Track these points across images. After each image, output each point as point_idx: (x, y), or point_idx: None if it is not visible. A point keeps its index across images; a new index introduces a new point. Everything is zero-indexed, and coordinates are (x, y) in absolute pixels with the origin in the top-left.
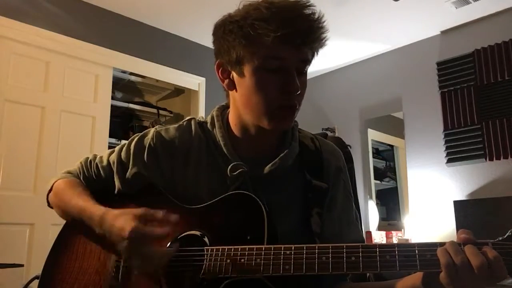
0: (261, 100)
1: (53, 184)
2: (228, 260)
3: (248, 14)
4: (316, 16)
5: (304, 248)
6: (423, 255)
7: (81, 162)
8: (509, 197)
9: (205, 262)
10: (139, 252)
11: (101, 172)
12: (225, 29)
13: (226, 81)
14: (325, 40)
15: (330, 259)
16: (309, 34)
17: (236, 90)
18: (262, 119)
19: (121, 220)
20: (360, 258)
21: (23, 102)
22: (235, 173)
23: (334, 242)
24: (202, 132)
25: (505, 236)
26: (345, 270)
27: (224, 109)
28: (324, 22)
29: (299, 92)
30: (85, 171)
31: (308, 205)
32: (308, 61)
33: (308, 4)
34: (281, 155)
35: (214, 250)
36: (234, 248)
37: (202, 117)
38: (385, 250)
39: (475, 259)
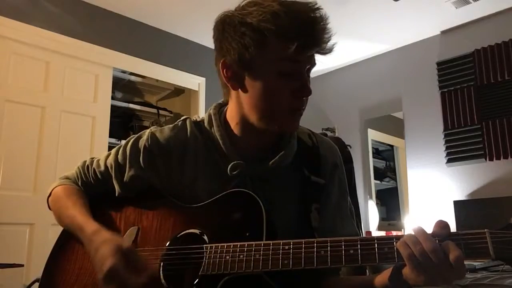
0: (271, 105)
1: (53, 189)
2: (228, 257)
3: (263, 18)
4: (325, 19)
5: (303, 242)
6: None
7: (78, 167)
8: (509, 197)
9: (204, 259)
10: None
11: (99, 176)
12: (235, 29)
13: (232, 80)
14: (333, 44)
15: (329, 252)
16: (324, 40)
17: (243, 90)
18: (271, 123)
19: (106, 250)
20: (359, 251)
21: (23, 102)
22: (235, 172)
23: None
24: (199, 131)
25: (503, 226)
26: (344, 263)
27: (220, 107)
28: (329, 23)
29: (310, 95)
30: (83, 176)
31: (307, 200)
32: (315, 63)
33: (316, 6)
34: (281, 153)
35: (214, 247)
36: (233, 245)
37: (198, 116)
38: (383, 242)
39: (428, 244)
